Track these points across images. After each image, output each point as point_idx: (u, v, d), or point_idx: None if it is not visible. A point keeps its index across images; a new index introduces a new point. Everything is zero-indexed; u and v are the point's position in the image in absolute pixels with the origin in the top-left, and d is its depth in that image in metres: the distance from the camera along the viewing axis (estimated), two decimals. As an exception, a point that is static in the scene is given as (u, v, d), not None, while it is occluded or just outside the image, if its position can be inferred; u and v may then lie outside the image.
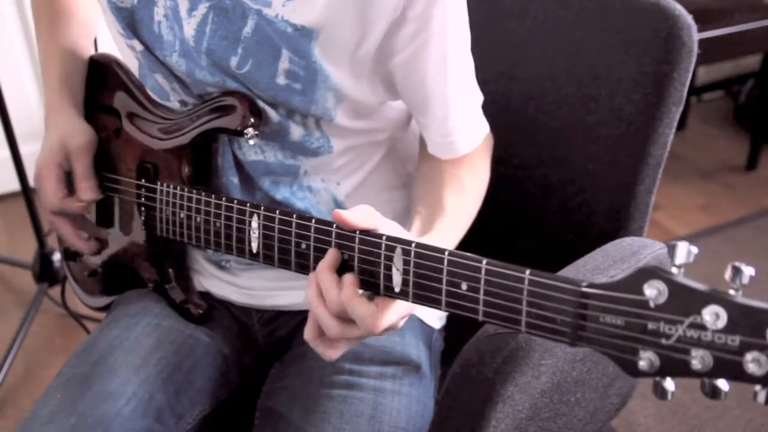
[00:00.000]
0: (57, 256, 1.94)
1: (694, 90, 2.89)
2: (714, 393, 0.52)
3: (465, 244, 1.09)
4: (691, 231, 2.29)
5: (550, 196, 1.08)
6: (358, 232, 0.70)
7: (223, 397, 0.93)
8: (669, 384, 0.54)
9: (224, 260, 0.95)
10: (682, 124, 2.80)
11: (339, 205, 0.93)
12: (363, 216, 0.70)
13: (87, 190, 0.91)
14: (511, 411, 0.74)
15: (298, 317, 0.96)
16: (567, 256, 0.86)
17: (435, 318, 0.99)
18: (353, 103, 0.84)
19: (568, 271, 0.84)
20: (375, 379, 0.86)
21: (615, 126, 0.98)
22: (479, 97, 0.90)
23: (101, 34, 1.02)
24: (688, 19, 0.91)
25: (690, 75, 0.93)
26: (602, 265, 0.83)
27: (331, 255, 0.71)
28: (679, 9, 0.92)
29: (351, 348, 0.88)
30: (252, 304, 0.96)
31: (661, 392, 0.54)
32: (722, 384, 0.51)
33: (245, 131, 0.82)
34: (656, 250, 0.88)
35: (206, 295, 0.97)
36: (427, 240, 0.77)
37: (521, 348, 0.72)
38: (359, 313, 0.67)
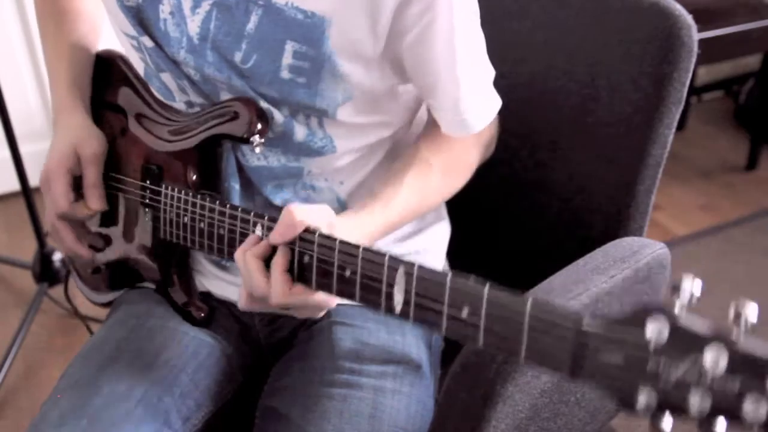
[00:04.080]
0: (57, 256, 1.94)
1: (694, 90, 2.89)
2: None
3: (466, 244, 1.09)
4: (691, 231, 2.29)
5: (550, 196, 1.08)
6: (361, 249, 0.70)
7: (228, 397, 0.93)
8: (666, 424, 0.53)
9: (225, 260, 0.95)
10: (682, 124, 2.80)
11: (341, 204, 0.93)
12: (288, 228, 0.73)
13: (95, 199, 0.91)
14: (511, 411, 0.74)
15: (299, 317, 0.96)
16: (567, 256, 0.86)
17: (435, 318, 0.99)
18: (361, 94, 0.84)
19: (569, 272, 0.84)
20: (375, 379, 0.86)
21: (615, 126, 0.98)
22: (491, 73, 0.89)
23: (105, 36, 1.02)
24: (688, 19, 0.91)
25: (690, 75, 0.93)
26: (602, 265, 0.83)
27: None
28: (679, 9, 0.92)
29: (351, 347, 0.88)
30: (253, 303, 0.96)
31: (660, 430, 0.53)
32: (720, 428, 0.50)
33: (251, 138, 0.82)
34: (656, 250, 0.88)
35: (208, 296, 0.97)
36: (358, 215, 0.81)
37: (521, 348, 0.72)
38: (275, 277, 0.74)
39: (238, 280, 0.95)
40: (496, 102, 0.91)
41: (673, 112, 0.94)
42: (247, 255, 0.75)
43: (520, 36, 1.08)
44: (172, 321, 0.93)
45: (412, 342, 0.92)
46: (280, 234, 0.74)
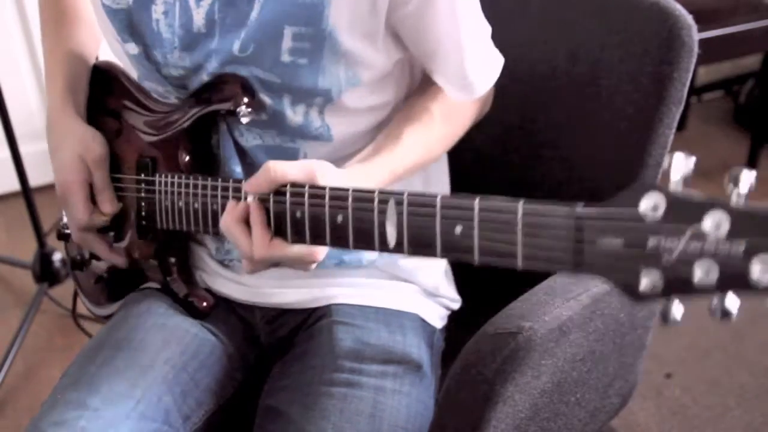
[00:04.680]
0: (57, 256, 1.94)
1: (694, 90, 2.89)
2: (724, 314, 0.49)
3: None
4: (691, 231, 2.28)
5: (550, 195, 1.07)
6: (351, 191, 0.69)
7: (228, 396, 0.93)
8: (677, 308, 0.51)
9: (228, 259, 0.95)
10: (682, 124, 2.80)
11: None
12: (261, 182, 0.73)
13: (107, 202, 0.92)
14: (511, 411, 0.74)
15: (301, 315, 0.96)
16: (567, 255, 0.86)
17: (437, 318, 0.99)
18: (370, 76, 0.84)
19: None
20: (376, 378, 0.86)
21: (615, 126, 0.98)
22: (488, 29, 0.89)
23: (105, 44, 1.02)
24: (688, 19, 0.91)
25: (690, 75, 0.93)
26: (602, 265, 0.83)
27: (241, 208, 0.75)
28: (679, 9, 0.92)
29: (351, 347, 0.88)
30: (255, 301, 0.96)
31: (666, 318, 0.51)
32: (731, 304, 0.48)
33: (237, 110, 0.82)
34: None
35: (210, 293, 0.97)
36: (364, 166, 0.80)
37: (521, 348, 0.72)
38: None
39: (240, 278, 0.96)
40: (498, 60, 0.90)
41: (673, 112, 0.94)
42: (227, 220, 0.76)
43: (520, 35, 1.08)
44: (172, 319, 0.93)
45: (413, 342, 0.92)
46: (252, 185, 0.74)
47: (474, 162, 1.13)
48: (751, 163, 2.59)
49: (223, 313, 0.97)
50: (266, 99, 0.84)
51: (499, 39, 1.10)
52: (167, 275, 0.94)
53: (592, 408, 0.90)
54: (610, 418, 0.98)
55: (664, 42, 0.92)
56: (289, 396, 0.87)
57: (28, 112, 2.36)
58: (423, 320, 0.97)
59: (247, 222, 0.75)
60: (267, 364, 0.96)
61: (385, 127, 0.92)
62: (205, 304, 0.94)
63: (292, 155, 0.89)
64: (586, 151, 1.03)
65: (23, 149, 1.82)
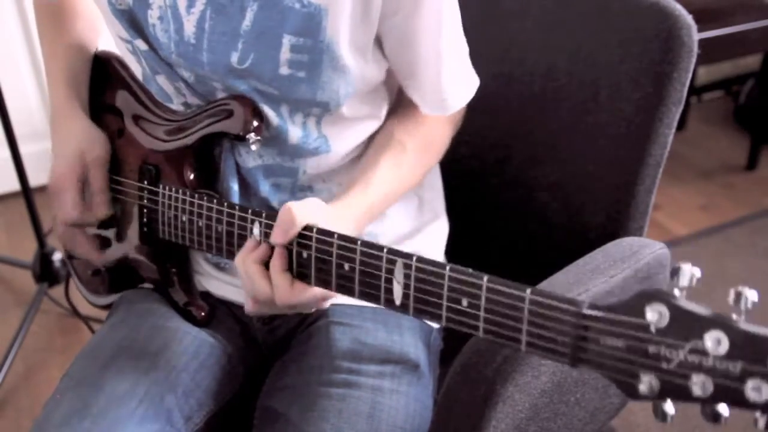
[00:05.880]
0: (57, 256, 1.94)
1: (694, 90, 2.89)
2: (715, 418, 0.51)
3: (465, 244, 1.09)
4: (690, 231, 2.29)
5: (551, 196, 1.08)
6: (359, 243, 0.70)
7: (228, 396, 0.93)
8: (669, 407, 0.53)
9: (223, 262, 0.95)
10: (682, 124, 2.80)
11: None
12: (288, 228, 0.73)
13: (101, 205, 0.91)
14: (511, 411, 0.74)
15: (298, 316, 0.96)
16: (567, 256, 0.86)
17: (435, 318, 0.99)
18: (363, 85, 0.84)
19: (569, 272, 0.84)
20: (373, 378, 0.86)
21: (615, 126, 0.98)
22: (466, 48, 0.90)
23: (104, 38, 1.02)
24: (688, 19, 0.92)
25: (690, 75, 0.93)
26: (602, 266, 0.83)
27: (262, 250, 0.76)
28: (679, 9, 0.92)
29: (349, 347, 0.88)
30: (252, 303, 0.96)
31: (661, 415, 0.54)
32: (723, 409, 0.51)
33: (248, 136, 0.82)
34: (656, 250, 0.88)
35: (207, 295, 0.97)
36: (336, 206, 0.81)
37: (521, 348, 0.72)
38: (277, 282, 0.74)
39: (236, 281, 0.96)
40: (474, 80, 0.91)
41: (673, 112, 0.94)
42: (247, 261, 0.76)
43: (520, 36, 1.08)
44: (172, 321, 0.93)
45: (410, 341, 0.92)
46: (281, 234, 0.74)
47: (473, 163, 1.13)
48: (751, 163, 2.60)
49: (220, 314, 0.97)
50: (264, 108, 0.84)
51: (499, 39, 1.10)
52: (168, 285, 0.94)
53: (592, 408, 0.90)
54: (610, 418, 0.98)
55: (664, 42, 0.92)
56: (288, 397, 0.87)
57: (28, 112, 2.36)
58: (420, 320, 0.96)
59: (265, 264, 0.75)
60: (266, 365, 0.96)
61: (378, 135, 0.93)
62: (203, 314, 0.94)
63: (292, 173, 0.89)
64: (586, 151, 1.03)
65: (23, 149, 1.82)
